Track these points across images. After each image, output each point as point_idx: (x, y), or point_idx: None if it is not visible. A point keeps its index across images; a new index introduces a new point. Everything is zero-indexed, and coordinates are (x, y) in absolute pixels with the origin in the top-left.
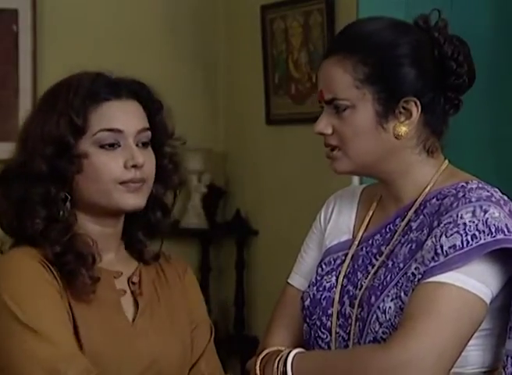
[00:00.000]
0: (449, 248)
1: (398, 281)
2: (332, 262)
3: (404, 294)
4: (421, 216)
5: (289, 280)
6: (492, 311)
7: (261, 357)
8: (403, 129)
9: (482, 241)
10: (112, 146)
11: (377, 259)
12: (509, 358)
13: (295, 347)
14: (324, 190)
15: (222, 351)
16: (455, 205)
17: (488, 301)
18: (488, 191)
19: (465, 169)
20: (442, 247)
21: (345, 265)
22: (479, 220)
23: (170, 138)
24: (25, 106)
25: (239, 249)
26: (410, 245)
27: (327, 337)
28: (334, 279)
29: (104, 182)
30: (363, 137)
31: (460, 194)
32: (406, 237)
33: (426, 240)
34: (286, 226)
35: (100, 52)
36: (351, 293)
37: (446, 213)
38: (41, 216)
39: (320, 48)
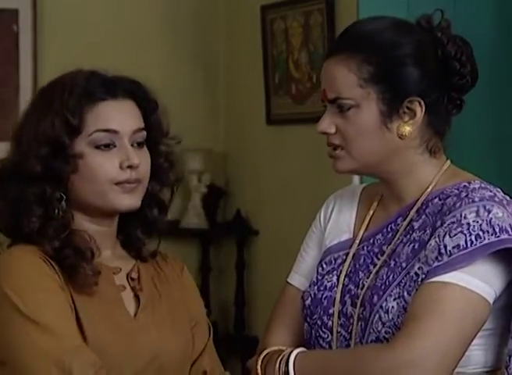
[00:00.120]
0: (453, 247)
1: (401, 281)
2: (333, 262)
3: (407, 293)
4: (424, 216)
5: (288, 280)
6: (494, 311)
7: (262, 356)
8: (407, 129)
9: (486, 241)
10: (108, 146)
11: (378, 259)
12: (511, 358)
13: (295, 346)
14: (324, 190)
15: (223, 351)
16: (458, 204)
17: (491, 301)
18: (491, 191)
19: (467, 169)
20: (445, 247)
21: (346, 264)
22: (483, 220)
23: (165, 137)
24: (25, 106)
25: (239, 249)
26: (412, 245)
27: (328, 336)
28: (335, 278)
29: (100, 183)
30: (367, 136)
31: (463, 194)
32: (408, 236)
33: (429, 240)
34: (286, 226)
35: (100, 52)
36: (353, 292)
37: (449, 213)
38: (37, 215)
39: (320, 48)
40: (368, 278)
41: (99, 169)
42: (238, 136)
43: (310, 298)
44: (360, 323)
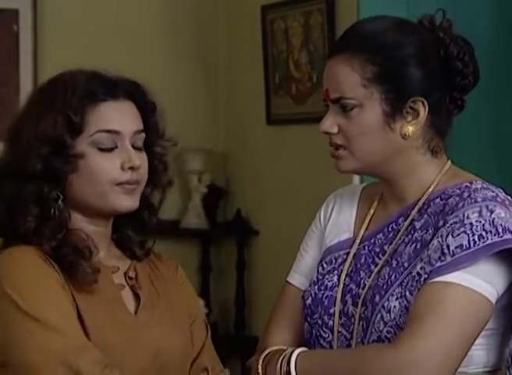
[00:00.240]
0: (456, 247)
1: (403, 280)
2: (334, 261)
3: (409, 293)
4: (425, 216)
5: (288, 279)
6: (496, 310)
7: (263, 356)
8: (410, 129)
9: (489, 241)
10: (109, 147)
11: (380, 258)
12: None
13: (296, 346)
14: (324, 190)
15: (223, 351)
16: (461, 205)
17: (494, 301)
18: (493, 192)
19: (467, 169)
20: (448, 247)
21: (347, 263)
22: (486, 220)
23: (161, 139)
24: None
25: (239, 249)
26: (414, 245)
27: (329, 336)
28: (336, 278)
29: (101, 183)
30: (370, 136)
31: (466, 194)
32: (410, 236)
33: (432, 239)
34: (286, 226)
35: (100, 52)
36: (354, 292)
37: (452, 213)
38: (33, 214)
39: (320, 48)
40: (369, 278)
41: (100, 170)
42: (238, 136)
43: (310, 298)
44: (361, 323)
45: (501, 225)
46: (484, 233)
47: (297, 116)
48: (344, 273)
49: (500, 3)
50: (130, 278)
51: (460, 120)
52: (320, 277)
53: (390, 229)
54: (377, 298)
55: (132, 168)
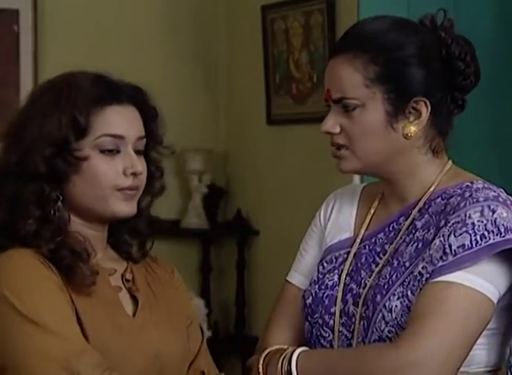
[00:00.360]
0: (458, 247)
1: (404, 280)
2: (334, 261)
3: (411, 292)
4: (426, 215)
5: (288, 278)
6: (497, 310)
7: (263, 355)
8: (412, 129)
9: (492, 241)
10: (112, 152)
11: (381, 258)
12: None
13: (295, 345)
14: (325, 190)
15: (223, 350)
16: (462, 204)
17: (495, 301)
18: (494, 191)
19: (468, 169)
20: (450, 246)
21: (347, 263)
22: (488, 220)
23: (159, 145)
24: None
25: (240, 249)
26: (416, 244)
27: (329, 335)
28: (336, 277)
29: (102, 188)
30: (372, 136)
31: (467, 193)
32: (411, 236)
33: (433, 239)
34: (286, 226)
35: (100, 52)
36: (355, 291)
37: (454, 213)
38: (35, 216)
39: (321, 48)
40: (370, 277)
41: (103, 174)
42: (238, 136)
43: (311, 297)
44: (362, 322)
45: (503, 225)
46: (486, 233)
47: (298, 116)
48: (345, 272)
49: (501, 3)
50: (127, 280)
51: (461, 120)
52: (320, 277)
53: (391, 228)
54: (378, 297)
55: (134, 174)
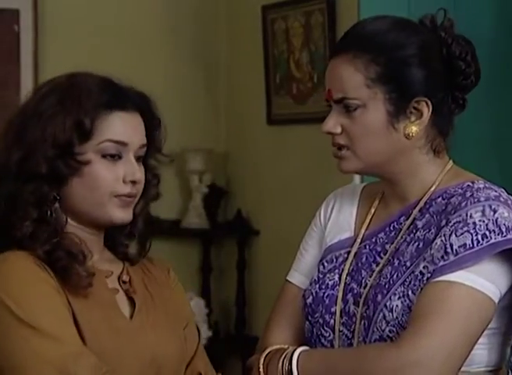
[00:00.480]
0: (460, 247)
1: (405, 280)
2: (335, 260)
3: (412, 292)
4: (427, 215)
5: (288, 278)
6: (498, 310)
7: (264, 355)
8: (413, 129)
9: (493, 241)
10: (113, 157)
11: (381, 257)
12: None
13: (296, 344)
14: (325, 190)
15: (223, 350)
16: (463, 204)
17: (496, 301)
18: (495, 191)
19: (469, 169)
20: (452, 246)
21: (348, 263)
22: (489, 220)
23: (159, 152)
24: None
25: (240, 249)
26: (417, 244)
27: (330, 335)
28: (337, 277)
29: (100, 193)
30: (373, 136)
31: (468, 193)
32: (411, 235)
33: (434, 239)
34: (287, 226)
35: (101, 52)
36: (355, 291)
37: (455, 212)
38: (32, 218)
39: (321, 48)
40: (370, 277)
41: (103, 179)
42: (239, 136)
43: (311, 297)
44: (363, 322)
45: (504, 224)
46: (487, 233)
47: (298, 116)
48: (345, 271)
49: (501, 3)
50: (124, 282)
51: (461, 120)
52: (321, 276)
53: (392, 228)
54: (379, 297)
55: (133, 182)
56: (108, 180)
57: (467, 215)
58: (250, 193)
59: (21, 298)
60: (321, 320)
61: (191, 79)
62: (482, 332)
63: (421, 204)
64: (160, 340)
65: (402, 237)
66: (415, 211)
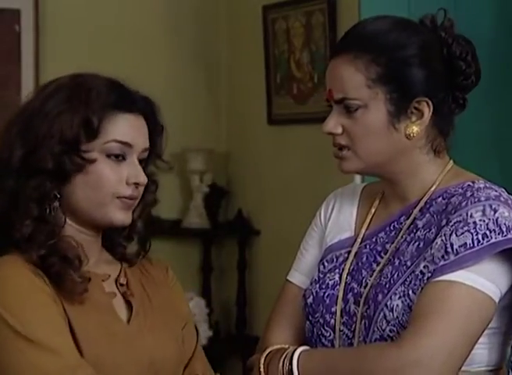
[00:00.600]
0: (460, 246)
1: (406, 279)
2: (335, 260)
3: (412, 292)
4: (427, 215)
5: (288, 278)
6: (499, 309)
7: (264, 355)
8: (414, 129)
9: (494, 240)
10: (118, 158)
11: (382, 257)
12: None
13: (296, 344)
14: (326, 190)
15: (224, 350)
16: (464, 204)
17: (497, 300)
18: (496, 191)
19: (469, 169)
20: (452, 245)
21: (348, 262)
22: (489, 219)
23: (159, 159)
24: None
25: (241, 249)
26: (417, 243)
27: (330, 334)
28: (337, 276)
29: (103, 193)
30: (374, 137)
31: (468, 193)
32: (412, 235)
33: (435, 238)
34: (287, 226)
35: (102, 52)
36: (356, 290)
37: (455, 212)
38: (33, 216)
39: (322, 48)
40: (371, 276)
41: (106, 179)
42: (240, 136)
43: (312, 296)
44: (363, 322)
45: (505, 224)
46: (488, 232)
47: (298, 116)
48: (346, 271)
49: (501, 3)
50: (121, 285)
51: (461, 120)
52: (321, 276)
53: (392, 228)
54: (379, 296)
55: (137, 184)
56: (112, 181)
57: (467, 214)
58: (251, 193)
59: (17, 309)
60: (321, 320)
61: (192, 79)
62: (483, 332)
63: (422, 204)
64: (158, 343)
65: (402, 237)
66: (415, 211)
